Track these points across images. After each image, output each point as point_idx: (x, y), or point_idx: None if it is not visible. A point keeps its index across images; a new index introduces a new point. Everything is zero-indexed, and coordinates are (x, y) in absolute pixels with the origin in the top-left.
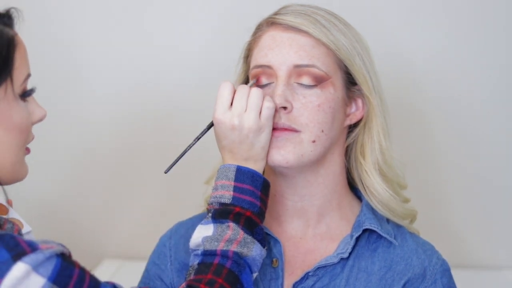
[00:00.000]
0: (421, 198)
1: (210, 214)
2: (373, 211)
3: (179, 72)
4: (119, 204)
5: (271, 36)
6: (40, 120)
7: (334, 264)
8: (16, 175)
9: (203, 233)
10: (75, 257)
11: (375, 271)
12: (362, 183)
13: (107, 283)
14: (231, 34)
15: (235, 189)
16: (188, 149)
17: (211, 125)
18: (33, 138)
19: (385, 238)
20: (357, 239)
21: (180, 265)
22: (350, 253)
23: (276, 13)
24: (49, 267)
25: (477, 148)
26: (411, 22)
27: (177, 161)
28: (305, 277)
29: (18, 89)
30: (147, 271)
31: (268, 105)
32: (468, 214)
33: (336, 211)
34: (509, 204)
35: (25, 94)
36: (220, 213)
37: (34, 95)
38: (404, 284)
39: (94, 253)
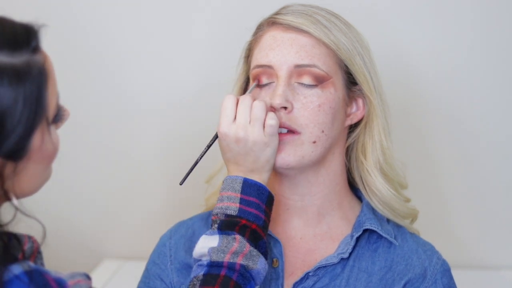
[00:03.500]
0: (421, 198)
1: (216, 225)
2: (373, 211)
3: (178, 73)
4: (119, 204)
5: (272, 36)
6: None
7: (334, 264)
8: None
9: (208, 243)
10: (75, 257)
11: (375, 271)
12: (363, 182)
13: None
14: (232, 34)
15: (241, 201)
16: (199, 159)
17: (217, 135)
18: None
19: (385, 238)
20: (358, 239)
21: (180, 264)
22: (350, 253)
23: (277, 13)
24: None
25: (477, 148)
26: (412, 22)
27: (190, 172)
28: (305, 277)
29: (50, 118)
30: (147, 270)
31: (271, 123)
32: (468, 214)
33: (337, 211)
34: (509, 204)
35: (57, 119)
36: (226, 225)
37: None
38: (405, 284)
39: (94, 253)
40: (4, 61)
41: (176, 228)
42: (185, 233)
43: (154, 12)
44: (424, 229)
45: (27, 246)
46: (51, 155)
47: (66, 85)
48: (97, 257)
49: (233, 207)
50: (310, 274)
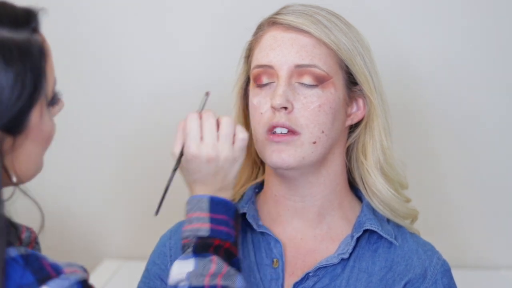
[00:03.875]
0: (421, 198)
1: (190, 249)
2: (373, 211)
3: (179, 73)
4: (119, 204)
5: (272, 36)
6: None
7: (334, 265)
8: (35, 175)
9: (184, 268)
10: (75, 257)
11: (375, 271)
12: (364, 183)
13: None
14: (232, 34)
15: (212, 220)
16: (169, 185)
17: (181, 155)
18: None
19: (385, 238)
20: (358, 239)
21: None
22: (350, 254)
23: (277, 13)
24: None
25: (477, 148)
26: (412, 22)
27: (162, 200)
28: (306, 277)
29: (49, 97)
30: (147, 270)
31: (242, 137)
32: (468, 214)
33: (337, 211)
34: (509, 204)
35: (53, 102)
36: (201, 247)
37: None
38: (405, 285)
39: (94, 253)
40: (6, 35)
41: (176, 228)
42: None
43: (154, 12)
44: (425, 229)
45: (24, 235)
46: (48, 137)
47: (66, 85)
48: (97, 257)
49: (204, 228)
50: (310, 274)
